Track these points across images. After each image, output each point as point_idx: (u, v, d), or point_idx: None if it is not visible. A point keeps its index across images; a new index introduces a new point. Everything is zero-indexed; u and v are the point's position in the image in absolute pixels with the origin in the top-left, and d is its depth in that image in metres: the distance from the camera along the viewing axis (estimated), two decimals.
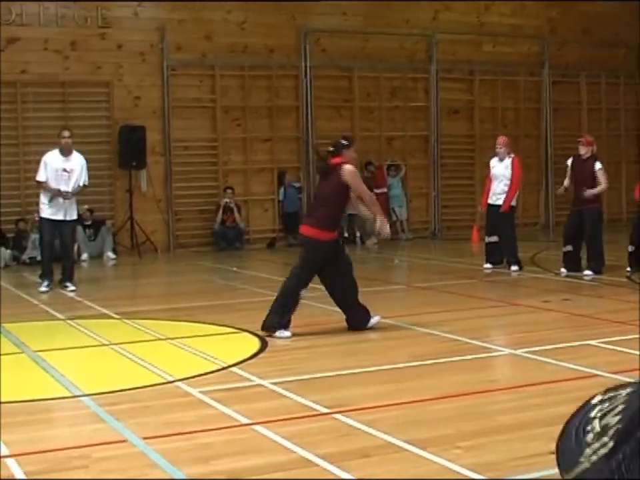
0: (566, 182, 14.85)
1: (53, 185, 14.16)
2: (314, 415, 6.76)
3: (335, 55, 22.06)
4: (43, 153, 14.67)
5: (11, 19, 19.35)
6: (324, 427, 6.49)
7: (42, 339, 10.32)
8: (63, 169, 14.24)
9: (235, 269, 17.47)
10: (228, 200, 20.63)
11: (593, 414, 1.90)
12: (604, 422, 1.86)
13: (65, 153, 14.36)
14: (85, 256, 18.97)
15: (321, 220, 9.95)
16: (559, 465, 1.98)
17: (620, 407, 1.85)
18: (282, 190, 21.49)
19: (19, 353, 9.57)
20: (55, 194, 14.09)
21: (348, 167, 9.94)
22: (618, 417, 1.84)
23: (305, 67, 21.79)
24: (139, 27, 20.43)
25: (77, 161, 14.45)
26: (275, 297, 10.23)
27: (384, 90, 22.65)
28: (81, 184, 14.39)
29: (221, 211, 20.58)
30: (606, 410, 1.87)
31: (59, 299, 13.62)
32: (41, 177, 14.32)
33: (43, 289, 14.26)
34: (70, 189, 14.18)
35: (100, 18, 20.08)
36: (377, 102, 22.59)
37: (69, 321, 11.57)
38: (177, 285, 15.65)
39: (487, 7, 23.62)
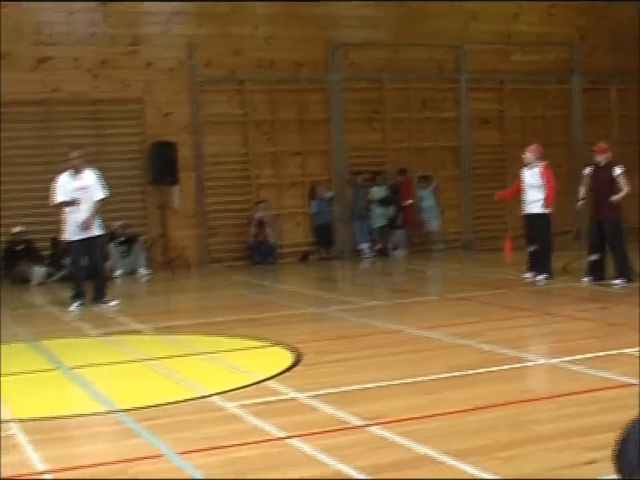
0: (581, 192, 14.73)
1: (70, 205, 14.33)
2: (349, 428, 6.73)
3: (363, 67, 22.07)
4: None
5: (42, 39, 19.52)
6: (360, 439, 6.46)
7: (77, 355, 10.35)
8: (76, 188, 14.35)
9: (270, 283, 17.49)
10: (262, 214, 20.68)
11: None
12: None
13: (76, 172, 14.47)
14: (118, 272, 19.05)
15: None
16: (619, 471, 1.93)
17: None
18: (313, 203, 21.48)
19: (54, 369, 9.61)
20: (74, 204, 14.23)
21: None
22: None
23: (334, 80, 21.79)
24: (168, 44, 20.53)
25: (89, 178, 14.54)
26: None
27: (414, 101, 22.62)
28: (97, 198, 14.47)
29: (254, 225, 20.61)
30: None
31: (93, 316, 13.68)
32: (58, 199, 14.44)
33: (73, 308, 14.32)
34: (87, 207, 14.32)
35: (129, 36, 20.22)
36: (406, 113, 22.56)
37: (103, 337, 11.62)
38: (211, 300, 15.66)
39: (515, 15, 23.56)
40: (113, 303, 14.53)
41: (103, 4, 20.05)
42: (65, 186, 14.40)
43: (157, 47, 20.41)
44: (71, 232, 14.43)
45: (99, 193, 14.51)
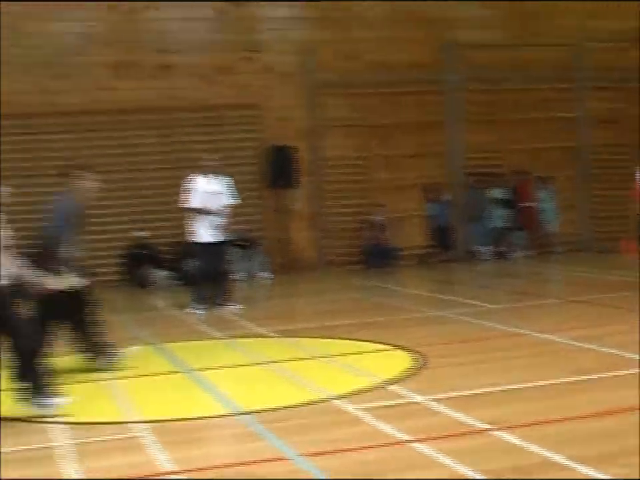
0: None
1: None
2: (473, 432, 6.72)
3: (480, 68, 21.89)
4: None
5: (163, 47, 19.91)
6: (484, 443, 6.44)
7: (200, 358, 10.53)
8: (209, 192, 14.54)
9: (388, 286, 17.51)
10: (379, 217, 20.75)
11: None
12: None
13: (209, 177, 14.67)
14: (238, 275, 19.25)
15: None
16: None
17: None
18: (431, 205, 21.42)
19: (178, 372, 9.78)
20: (213, 213, 14.44)
21: None
22: None
23: (451, 81, 21.71)
24: (286, 49, 20.72)
25: (221, 183, 14.75)
26: None
27: (532, 101, 22.34)
28: (229, 203, 14.68)
29: (370, 229, 20.69)
30: None
31: (215, 319, 13.87)
32: (194, 202, 14.63)
33: (200, 312, 14.53)
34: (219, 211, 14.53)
35: (248, 41, 20.48)
36: (524, 114, 22.31)
37: (225, 340, 11.79)
38: (329, 303, 15.74)
39: (635, 12, 23.08)
40: (235, 306, 14.71)
41: (221, 11, 20.34)
42: (198, 189, 14.62)
43: (274, 51, 20.62)
44: (200, 235, 14.63)
45: (230, 199, 14.74)
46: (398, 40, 21.30)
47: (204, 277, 14.81)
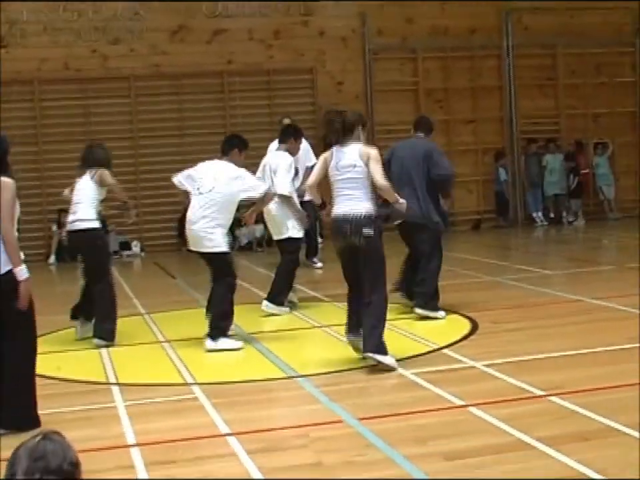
0: None
1: None
2: (529, 397, 6.70)
3: (537, 32, 21.64)
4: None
5: (217, 12, 19.89)
6: (540, 409, 6.43)
7: (254, 322, 10.55)
8: None
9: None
10: None
11: None
12: None
13: None
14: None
15: None
16: None
17: None
18: (501, 170, 21.28)
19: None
20: None
21: None
22: None
23: (507, 46, 21.50)
24: (340, 13, 20.58)
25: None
26: None
27: (589, 66, 22.05)
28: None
29: None
30: None
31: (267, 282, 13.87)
32: None
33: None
34: None
35: (302, 6, 20.38)
36: (581, 79, 22.03)
37: None
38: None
39: None
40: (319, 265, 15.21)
41: None
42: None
43: (329, 16, 20.49)
44: None
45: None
46: (456, 4, 21.06)
47: None
